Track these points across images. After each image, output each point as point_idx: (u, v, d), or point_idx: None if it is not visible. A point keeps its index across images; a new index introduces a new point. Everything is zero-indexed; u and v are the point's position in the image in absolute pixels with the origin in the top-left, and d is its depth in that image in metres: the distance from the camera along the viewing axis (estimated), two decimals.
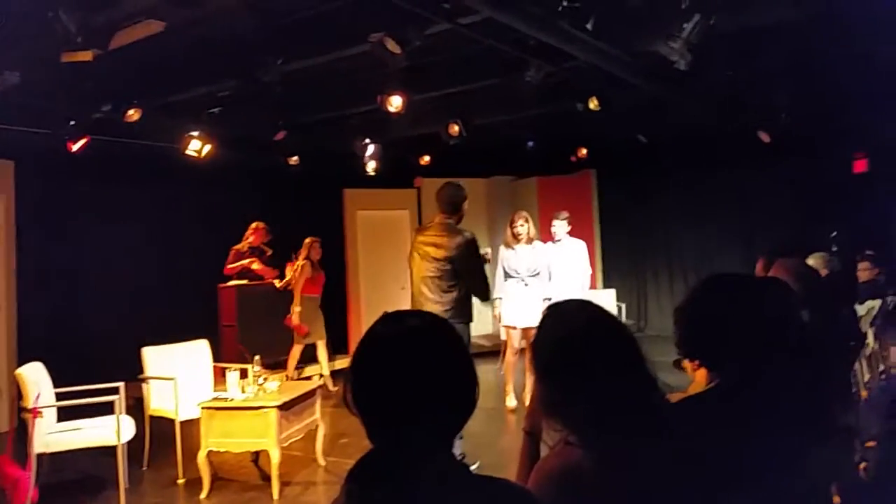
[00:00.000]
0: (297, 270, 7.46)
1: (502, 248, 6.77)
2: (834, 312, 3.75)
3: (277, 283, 7.62)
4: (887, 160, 7.79)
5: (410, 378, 1.14)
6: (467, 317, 4.74)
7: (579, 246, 7.18)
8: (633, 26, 4.81)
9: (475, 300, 4.83)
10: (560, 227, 7.07)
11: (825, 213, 8.14)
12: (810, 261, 5.86)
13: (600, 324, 1.51)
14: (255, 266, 7.63)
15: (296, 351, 7.56)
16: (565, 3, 3.97)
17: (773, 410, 1.66)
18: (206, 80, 5.98)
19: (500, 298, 6.64)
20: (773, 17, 4.91)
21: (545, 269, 6.66)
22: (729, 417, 1.63)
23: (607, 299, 9.13)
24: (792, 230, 8.23)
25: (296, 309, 7.36)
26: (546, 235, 7.16)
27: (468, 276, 4.62)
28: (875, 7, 4.69)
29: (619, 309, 9.39)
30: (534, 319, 6.51)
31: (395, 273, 9.22)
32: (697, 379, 1.81)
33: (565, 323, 1.52)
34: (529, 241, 6.62)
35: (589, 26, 4.22)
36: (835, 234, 7.72)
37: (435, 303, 4.61)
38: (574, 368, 1.44)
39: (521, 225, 6.60)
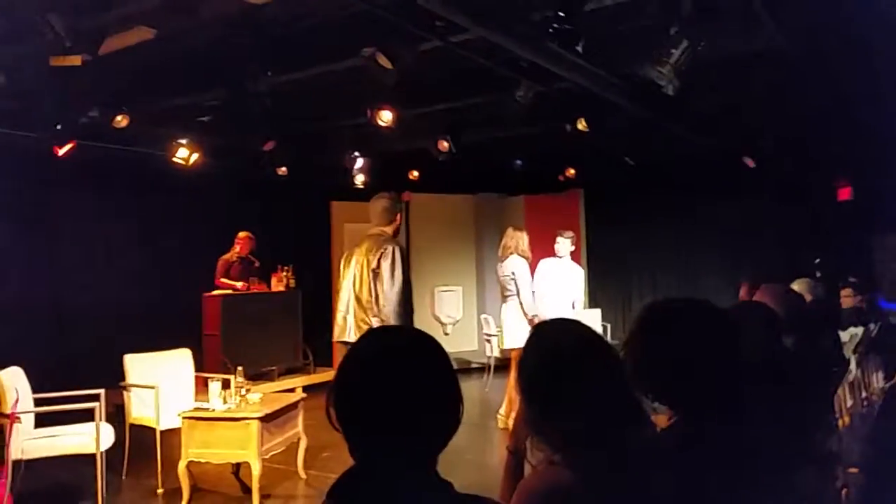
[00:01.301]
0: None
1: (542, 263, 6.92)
2: (817, 338, 3.78)
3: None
4: (871, 188, 7.91)
5: (395, 395, 1.13)
6: None
7: (578, 271, 7.23)
8: (622, 50, 4.87)
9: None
10: (563, 244, 7.09)
11: (809, 240, 8.23)
12: (794, 286, 5.91)
13: (586, 343, 1.51)
14: (240, 284, 7.59)
15: None
16: (556, 25, 4.00)
17: (737, 444, 1.58)
18: (196, 88, 5.98)
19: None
20: (759, 45, 4.99)
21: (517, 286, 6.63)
22: (689, 461, 1.52)
23: (592, 319, 9.14)
24: (776, 255, 8.31)
25: None
26: (535, 254, 7.18)
27: (384, 287, 4.41)
28: (860, 37, 4.78)
29: (605, 328, 9.41)
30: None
31: None
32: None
33: (551, 342, 1.52)
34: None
35: (579, 48, 4.26)
36: (818, 260, 7.81)
37: (365, 322, 4.45)
38: (559, 387, 1.44)
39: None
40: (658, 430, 1.57)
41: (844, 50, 5.10)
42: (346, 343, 4.64)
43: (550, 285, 6.96)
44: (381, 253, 4.44)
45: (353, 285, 4.58)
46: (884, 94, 5.91)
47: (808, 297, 5.63)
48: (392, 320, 4.34)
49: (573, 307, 7.10)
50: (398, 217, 4.76)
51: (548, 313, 7.05)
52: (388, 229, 4.68)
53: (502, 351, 6.69)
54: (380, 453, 1.13)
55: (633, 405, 1.47)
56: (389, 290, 4.37)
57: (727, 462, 1.55)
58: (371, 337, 1.22)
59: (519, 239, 6.70)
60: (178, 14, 4.26)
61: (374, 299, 4.44)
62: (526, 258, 6.71)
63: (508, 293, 6.65)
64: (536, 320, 6.41)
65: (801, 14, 4.60)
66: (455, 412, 1.18)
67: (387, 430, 1.13)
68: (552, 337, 1.54)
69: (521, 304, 6.57)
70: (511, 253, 6.64)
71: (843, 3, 4.34)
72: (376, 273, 4.43)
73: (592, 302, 10.21)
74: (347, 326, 4.61)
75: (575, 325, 1.57)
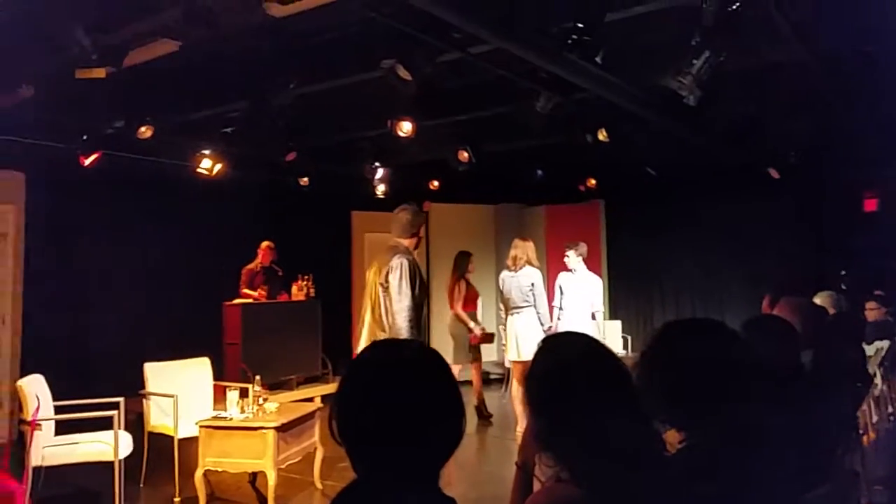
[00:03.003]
0: (452, 289, 7.43)
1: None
2: (839, 352, 3.71)
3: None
4: None
5: (396, 408, 1.13)
6: None
7: (596, 281, 7.15)
8: (642, 61, 4.85)
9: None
10: (572, 257, 7.02)
11: (834, 252, 8.10)
12: (818, 300, 5.82)
13: (595, 357, 1.50)
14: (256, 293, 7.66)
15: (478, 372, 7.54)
16: (574, 37, 3.99)
17: (752, 464, 1.57)
18: (219, 99, 6.05)
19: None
20: (782, 55, 4.93)
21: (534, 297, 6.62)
22: (701, 482, 1.50)
23: (613, 330, 9.08)
24: (800, 267, 8.18)
25: (471, 325, 7.36)
26: (554, 264, 7.15)
27: (391, 302, 4.35)
28: (887, 47, 4.71)
29: (625, 340, 9.33)
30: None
31: None
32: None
33: (560, 355, 1.51)
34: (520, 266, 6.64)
35: (598, 59, 4.25)
36: (844, 272, 7.68)
37: (375, 336, 4.39)
38: (567, 402, 1.43)
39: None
40: (669, 450, 1.54)
41: (869, 60, 5.02)
42: None
43: (568, 299, 6.92)
44: (391, 266, 4.39)
45: (371, 297, 4.58)
46: None
47: (832, 311, 5.55)
48: (403, 334, 4.26)
49: (594, 318, 7.05)
50: (419, 230, 4.71)
51: (568, 326, 7.01)
52: (407, 242, 4.62)
53: (514, 363, 6.63)
54: (381, 467, 1.13)
55: (643, 422, 1.45)
56: (398, 303, 4.30)
57: (741, 484, 1.53)
58: (372, 350, 1.21)
59: (529, 249, 6.69)
60: (201, 27, 4.32)
61: (384, 312, 4.40)
62: (538, 268, 6.68)
63: (524, 304, 6.60)
64: (550, 332, 6.39)
65: (821, 25, 4.54)
66: (457, 425, 1.17)
67: (387, 444, 1.12)
68: (561, 350, 1.53)
69: (538, 314, 6.53)
70: (525, 264, 6.62)
71: (865, 13, 4.28)
72: (384, 287, 4.39)
73: (613, 313, 10.13)
74: (362, 338, 4.61)
75: (584, 338, 1.56)
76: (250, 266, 7.74)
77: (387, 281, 4.36)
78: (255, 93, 5.61)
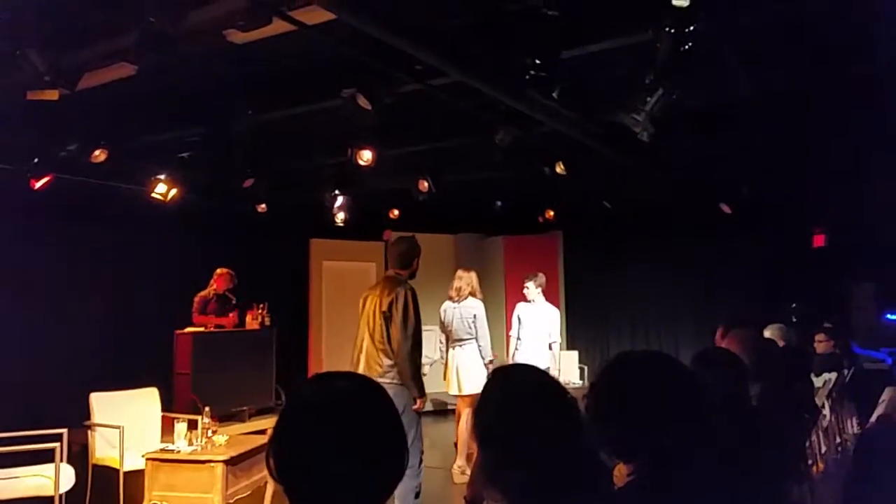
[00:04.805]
0: None
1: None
2: (787, 385, 3.79)
3: None
4: (844, 236, 8.05)
5: (336, 444, 1.10)
6: (412, 379, 4.66)
7: (553, 312, 7.17)
8: (598, 97, 4.96)
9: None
10: (531, 288, 7.04)
11: (784, 286, 8.32)
12: (767, 332, 5.96)
13: (545, 391, 1.50)
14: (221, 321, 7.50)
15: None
16: (532, 73, 4.07)
17: (698, 497, 1.56)
18: (177, 124, 5.99)
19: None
20: (734, 94, 5.10)
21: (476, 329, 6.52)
22: None
23: (570, 360, 9.13)
24: (751, 300, 8.38)
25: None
26: (512, 294, 7.17)
27: (397, 330, 4.54)
28: (837, 89, 4.92)
29: (582, 370, 9.39)
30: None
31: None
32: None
33: (509, 388, 1.51)
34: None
35: (555, 95, 4.33)
36: (794, 305, 7.89)
37: (377, 363, 4.57)
38: (515, 436, 1.42)
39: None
40: (617, 484, 1.54)
41: (819, 100, 5.23)
42: None
43: (526, 329, 6.94)
44: (394, 297, 4.56)
45: (368, 325, 4.68)
46: (859, 144, 6.06)
47: (781, 343, 5.68)
48: (406, 363, 4.51)
49: (550, 349, 7.08)
50: (415, 262, 4.85)
51: (525, 356, 7.02)
52: (404, 273, 4.78)
53: (460, 398, 6.55)
54: None
55: (591, 456, 1.45)
56: (402, 333, 4.50)
57: None
58: (312, 383, 1.19)
59: (473, 279, 6.58)
60: (159, 51, 4.28)
61: (387, 341, 4.56)
62: (481, 300, 6.62)
63: (467, 337, 6.51)
64: (492, 366, 6.36)
65: (774, 66, 4.72)
66: (400, 461, 1.15)
67: (328, 481, 1.09)
68: (510, 384, 1.53)
69: (479, 347, 6.43)
70: (468, 295, 6.49)
71: (820, 57, 4.47)
72: (386, 316, 4.56)
73: (570, 343, 10.20)
74: (360, 364, 4.70)
75: (534, 371, 1.56)
76: (203, 293, 7.56)
77: (389, 310, 4.54)
78: (213, 118, 5.57)
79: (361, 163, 6.26)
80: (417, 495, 4.60)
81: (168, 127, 6.03)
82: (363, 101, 4.69)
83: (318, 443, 1.11)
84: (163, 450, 4.65)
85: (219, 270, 7.61)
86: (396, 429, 1.17)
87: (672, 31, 3.60)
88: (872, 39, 4.05)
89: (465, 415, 6.43)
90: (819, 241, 8.47)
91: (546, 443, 1.40)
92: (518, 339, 7.00)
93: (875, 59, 4.36)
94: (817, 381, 6.32)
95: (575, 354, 9.65)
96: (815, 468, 5.27)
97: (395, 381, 4.53)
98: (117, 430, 4.91)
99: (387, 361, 4.56)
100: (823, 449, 5.99)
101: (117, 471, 4.91)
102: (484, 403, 1.51)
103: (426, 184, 7.35)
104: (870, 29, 3.93)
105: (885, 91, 4.70)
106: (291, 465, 1.12)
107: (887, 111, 4.97)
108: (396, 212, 9.24)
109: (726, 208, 7.72)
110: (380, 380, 4.52)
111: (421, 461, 4.72)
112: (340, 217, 8.53)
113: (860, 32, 4.06)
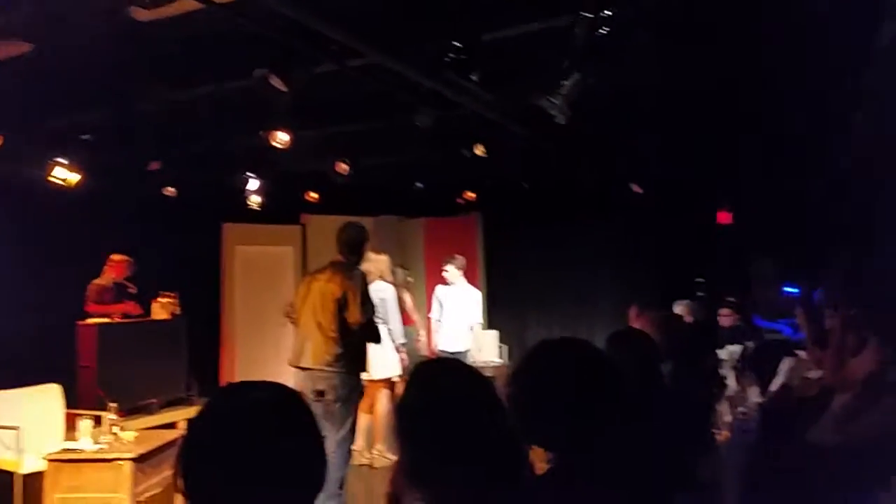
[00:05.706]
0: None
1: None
2: (697, 362, 3.95)
3: None
4: (749, 213, 8.45)
5: (250, 458, 1.03)
6: (359, 365, 4.63)
7: (475, 294, 7.19)
8: (516, 80, 4.99)
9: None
10: (451, 271, 7.05)
11: (692, 263, 8.65)
12: (676, 308, 6.20)
13: (468, 386, 1.48)
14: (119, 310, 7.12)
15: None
16: (452, 55, 4.05)
17: (612, 478, 1.59)
18: (79, 105, 5.63)
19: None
20: (647, 79, 5.24)
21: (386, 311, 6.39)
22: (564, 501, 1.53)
23: (490, 340, 9.24)
24: (663, 277, 8.69)
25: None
26: (432, 276, 7.18)
27: (355, 316, 4.51)
28: (744, 73, 5.12)
29: (501, 350, 9.52)
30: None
31: (276, 312, 8.92)
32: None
33: (431, 385, 1.48)
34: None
35: (474, 77, 4.32)
36: (700, 280, 8.23)
37: (326, 352, 4.48)
38: (437, 432, 1.40)
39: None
40: (536, 472, 1.55)
41: (728, 84, 5.43)
42: (300, 368, 4.61)
43: (447, 311, 6.96)
44: (348, 283, 4.50)
45: (315, 313, 4.53)
46: (764, 127, 6.34)
47: (689, 318, 5.92)
48: (361, 348, 4.54)
49: (471, 330, 7.13)
50: (364, 247, 4.86)
51: (446, 338, 7.06)
52: (353, 258, 4.74)
53: (370, 382, 6.48)
54: None
55: (515, 448, 1.45)
56: (360, 318, 4.47)
57: (602, 498, 1.56)
58: (225, 394, 1.12)
59: (382, 263, 6.51)
60: (57, 28, 4.00)
61: (337, 328, 4.47)
62: (390, 282, 6.55)
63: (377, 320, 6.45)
64: (402, 349, 6.35)
65: (687, 52, 4.86)
66: (317, 475, 1.10)
67: (240, 500, 1.04)
68: (432, 380, 1.50)
69: (389, 331, 6.32)
70: (377, 278, 6.38)
71: (731, 44, 4.64)
72: (341, 303, 4.46)
73: (490, 323, 10.32)
74: (304, 352, 4.57)
75: (456, 365, 1.55)
76: (99, 281, 7.15)
77: (345, 297, 4.47)
78: (118, 99, 5.27)
79: (277, 145, 6.07)
80: (341, 486, 4.56)
81: (70, 108, 5.66)
82: (277, 82, 4.53)
83: (230, 460, 1.04)
84: (65, 450, 4.40)
85: (114, 257, 7.21)
86: (314, 442, 1.11)
87: (589, 15, 3.64)
88: (782, 26, 4.22)
89: (382, 397, 6.39)
90: (724, 217, 8.85)
91: (471, 439, 1.39)
92: (438, 321, 7.02)
93: (783, 45, 4.55)
94: (722, 354, 6.64)
95: (495, 334, 9.77)
96: (720, 436, 5.54)
97: (342, 370, 4.45)
98: (14, 432, 4.62)
99: (337, 350, 4.47)
100: (729, 418, 6.30)
101: (14, 474, 4.62)
102: (406, 399, 1.49)
103: (345, 166, 7.23)
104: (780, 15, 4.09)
105: (791, 74, 4.95)
106: (201, 483, 1.05)
107: (794, 92, 5.25)
108: (314, 194, 9.05)
109: (637, 188, 7.97)
110: (328, 369, 4.44)
111: (350, 451, 4.71)
112: (255, 200, 8.29)
113: (773, 18, 4.21)
